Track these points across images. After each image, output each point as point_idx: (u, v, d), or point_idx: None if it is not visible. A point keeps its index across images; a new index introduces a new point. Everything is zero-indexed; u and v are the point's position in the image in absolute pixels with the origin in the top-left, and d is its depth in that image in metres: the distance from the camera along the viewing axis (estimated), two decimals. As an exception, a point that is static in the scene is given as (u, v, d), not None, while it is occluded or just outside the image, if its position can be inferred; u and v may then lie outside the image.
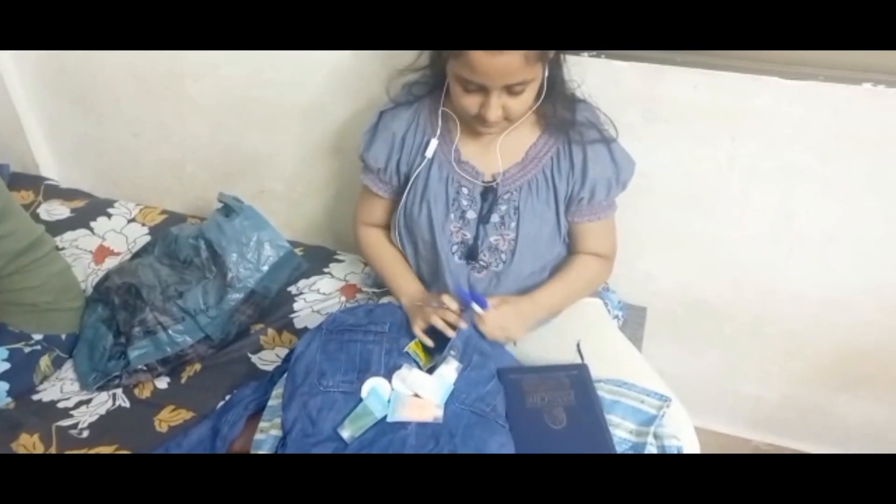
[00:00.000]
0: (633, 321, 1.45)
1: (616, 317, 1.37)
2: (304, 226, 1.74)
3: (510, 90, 1.00)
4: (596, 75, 1.23)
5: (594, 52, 1.24)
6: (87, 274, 1.52)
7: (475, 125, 1.08)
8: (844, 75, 1.15)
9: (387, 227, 1.28)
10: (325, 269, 1.52)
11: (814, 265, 1.36)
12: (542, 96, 1.07)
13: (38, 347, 1.31)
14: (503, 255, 1.16)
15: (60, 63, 1.70)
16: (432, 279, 1.22)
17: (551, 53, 1.03)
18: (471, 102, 1.02)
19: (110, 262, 1.56)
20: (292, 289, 1.48)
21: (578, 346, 1.16)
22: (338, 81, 1.45)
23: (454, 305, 1.10)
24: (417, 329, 1.10)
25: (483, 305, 1.09)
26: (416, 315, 1.12)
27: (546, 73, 1.04)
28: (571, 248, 1.23)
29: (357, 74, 1.41)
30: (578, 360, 1.14)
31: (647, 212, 1.39)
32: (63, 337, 1.36)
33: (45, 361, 1.32)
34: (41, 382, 1.33)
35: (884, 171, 1.21)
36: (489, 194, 1.14)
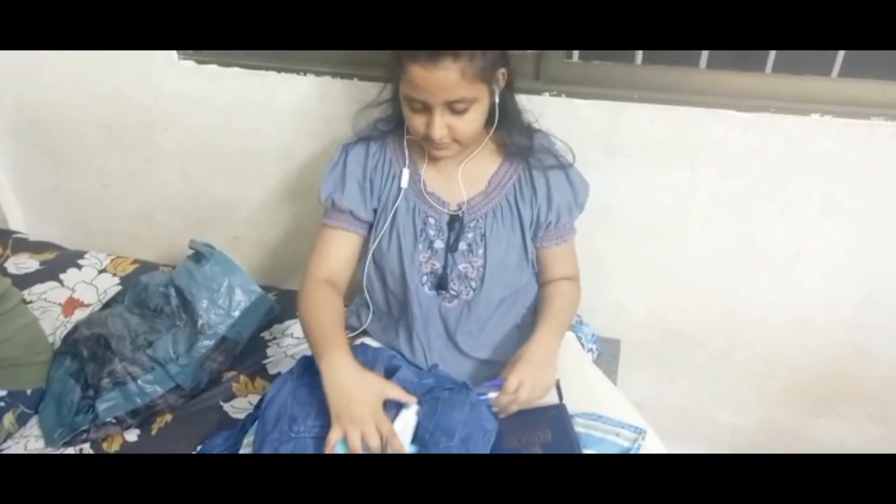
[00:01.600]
0: (607, 354, 1.46)
1: (590, 350, 1.37)
2: (278, 270, 1.74)
3: (453, 108, 1.01)
4: (557, 114, 1.27)
5: (554, 92, 1.28)
6: (55, 327, 1.50)
7: (428, 148, 1.10)
8: (794, 107, 1.20)
9: (337, 280, 1.17)
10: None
11: (779, 288, 1.39)
12: (496, 123, 1.10)
13: (2, 404, 1.28)
14: (472, 283, 1.17)
15: (30, 116, 1.70)
16: (401, 314, 1.22)
17: (498, 76, 1.05)
18: (418, 122, 1.04)
19: (80, 314, 1.54)
20: (265, 334, 1.47)
21: (558, 383, 1.14)
22: (303, 125, 1.47)
23: (384, 432, 0.95)
24: (334, 436, 0.94)
25: (499, 385, 1.05)
26: (343, 421, 0.95)
27: (497, 100, 1.07)
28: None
29: (321, 117, 1.44)
30: (555, 398, 1.13)
31: (615, 243, 1.42)
32: (29, 392, 1.33)
33: (8, 419, 1.29)
34: (4, 440, 1.29)
35: (837, 194, 1.26)
36: (455, 223, 1.15)
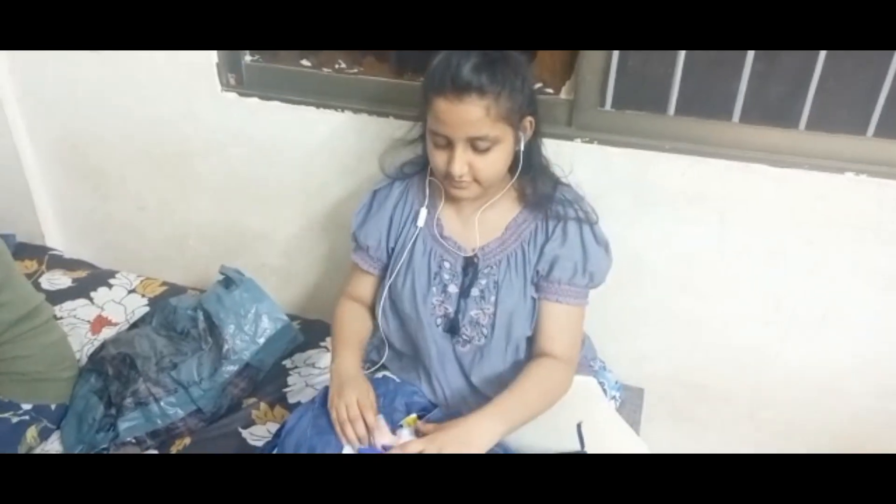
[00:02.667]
0: (630, 402, 1.43)
1: (613, 398, 1.35)
2: (303, 300, 1.75)
3: (475, 146, 1.02)
4: (588, 160, 1.29)
5: (586, 138, 1.29)
6: (83, 344, 1.52)
7: (448, 187, 1.10)
8: (827, 164, 1.20)
9: (368, 305, 1.27)
10: (322, 343, 1.52)
11: (807, 348, 1.37)
12: (519, 169, 1.10)
13: (27, 417, 1.30)
14: (484, 330, 1.16)
15: (74, 142, 1.77)
16: (417, 354, 1.22)
17: (525, 124, 1.07)
18: (441, 158, 1.05)
19: (107, 333, 1.56)
20: (287, 362, 1.47)
21: (579, 427, 1.12)
22: (338, 160, 1.51)
23: (370, 423, 1.04)
24: (334, 410, 1.06)
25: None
26: (337, 403, 1.06)
27: (521, 148, 1.08)
28: (533, 342, 1.17)
29: (356, 154, 1.47)
30: (574, 444, 1.10)
31: (642, 292, 1.41)
32: (53, 407, 1.34)
33: (31, 433, 1.30)
34: (25, 454, 1.30)
35: (869, 255, 1.24)
36: (470, 268, 1.15)
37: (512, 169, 1.11)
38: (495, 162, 1.05)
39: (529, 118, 1.07)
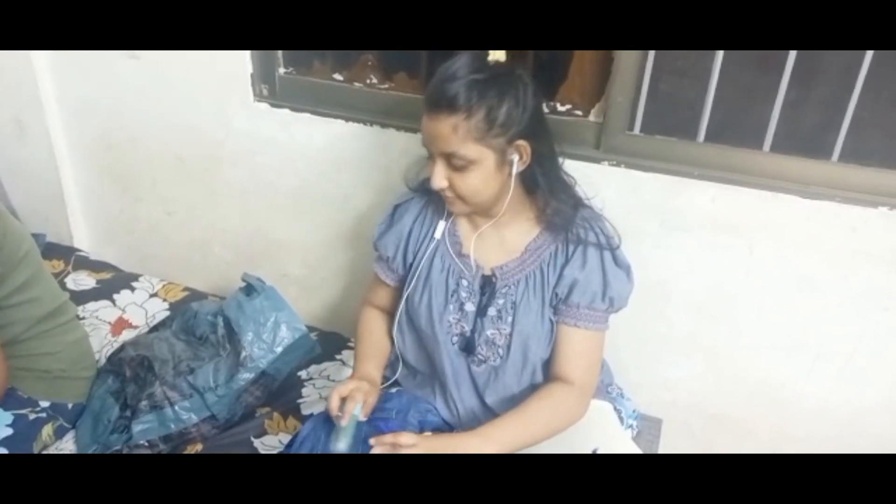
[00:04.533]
0: (647, 432, 1.40)
1: (630, 426, 1.32)
2: (322, 311, 1.75)
3: (451, 163, 1.02)
4: (616, 183, 1.28)
5: (614, 162, 1.29)
6: (102, 345, 1.53)
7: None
8: (861, 197, 1.17)
9: (388, 313, 1.29)
10: (338, 356, 1.52)
11: (833, 384, 1.33)
12: (511, 191, 1.06)
13: (44, 415, 1.31)
14: (500, 350, 1.15)
15: (108, 144, 1.80)
16: (433, 370, 1.21)
17: (519, 148, 1.03)
18: (429, 171, 1.06)
19: (127, 335, 1.58)
20: (302, 373, 1.47)
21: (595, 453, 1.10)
22: (364, 173, 1.52)
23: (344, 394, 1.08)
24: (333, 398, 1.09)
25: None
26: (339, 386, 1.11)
27: (513, 170, 1.04)
28: (549, 365, 1.15)
29: (382, 167, 1.48)
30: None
31: (665, 318, 1.39)
32: (70, 406, 1.35)
33: (47, 430, 1.31)
34: (39, 451, 1.31)
35: (903, 291, 1.21)
36: (487, 287, 1.14)
37: (529, 190, 1.10)
38: (473, 181, 1.03)
39: (523, 142, 1.02)
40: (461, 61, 1.00)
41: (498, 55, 1.03)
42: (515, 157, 1.03)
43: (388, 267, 1.24)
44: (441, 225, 1.17)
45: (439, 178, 1.03)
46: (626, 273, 1.12)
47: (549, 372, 1.15)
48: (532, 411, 1.07)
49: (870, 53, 1.11)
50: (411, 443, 0.98)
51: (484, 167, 1.02)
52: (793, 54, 1.15)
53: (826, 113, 1.19)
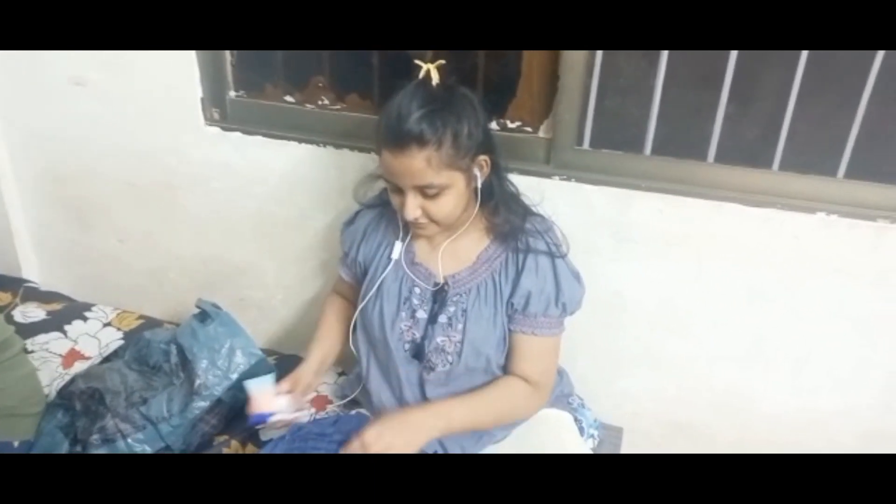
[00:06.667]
0: (608, 441, 1.41)
1: (591, 436, 1.34)
2: (280, 334, 1.73)
3: (424, 192, 1.04)
4: (567, 197, 1.30)
5: (564, 176, 1.31)
6: (52, 378, 1.48)
7: (410, 226, 1.13)
8: (800, 204, 1.21)
9: (350, 301, 1.33)
10: (298, 380, 1.49)
11: (789, 389, 1.36)
12: (478, 204, 1.10)
13: (-11, 454, 1.26)
14: (449, 357, 1.16)
15: (58, 174, 1.77)
16: (386, 377, 1.22)
17: (480, 162, 1.07)
18: (396, 201, 1.08)
19: (79, 367, 1.53)
20: (262, 399, 1.44)
21: None
22: (319, 194, 1.51)
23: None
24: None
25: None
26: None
27: (478, 184, 1.08)
28: (506, 365, 1.18)
29: (337, 188, 1.48)
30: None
31: (622, 330, 1.41)
32: (16, 444, 1.30)
33: (-7, 469, 1.26)
34: (-14, 492, 1.25)
35: (847, 295, 1.25)
36: (439, 295, 1.16)
37: (475, 201, 1.12)
38: (447, 204, 1.06)
39: (484, 157, 1.07)
40: (409, 96, 1.01)
41: (429, 66, 1.05)
42: (478, 172, 1.07)
43: (345, 263, 1.28)
44: (398, 246, 1.18)
45: (412, 210, 1.05)
46: (577, 278, 1.16)
47: (505, 371, 1.18)
48: (481, 396, 1.13)
49: (800, 69, 1.15)
50: (374, 436, 1.01)
51: (455, 189, 1.05)
52: (730, 71, 1.19)
53: (765, 125, 1.23)
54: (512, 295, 1.13)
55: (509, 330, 1.15)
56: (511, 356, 1.17)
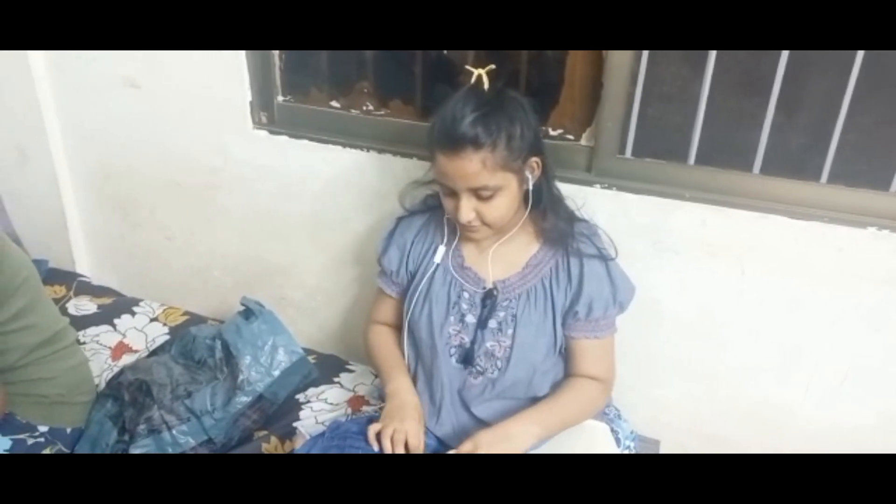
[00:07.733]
0: (645, 453, 1.40)
1: (627, 447, 1.32)
2: (319, 335, 1.76)
3: (478, 195, 1.05)
4: (607, 206, 1.30)
5: (605, 185, 1.31)
6: (102, 369, 1.54)
7: (461, 230, 1.15)
8: (849, 218, 1.19)
9: (395, 327, 1.31)
10: (336, 379, 1.53)
11: (829, 404, 1.33)
12: (529, 207, 1.12)
13: (42, 440, 1.31)
14: (499, 362, 1.17)
15: (108, 172, 1.83)
16: (429, 382, 1.23)
17: (531, 164, 1.09)
18: (449, 205, 1.10)
19: (127, 359, 1.58)
20: (300, 396, 1.47)
21: None
22: (361, 197, 1.54)
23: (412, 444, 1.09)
24: (372, 432, 1.10)
25: None
26: (385, 422, 1.11)
27: (529, 186, 1.10)
28: (568, 369, 1.22)
29: (379, 192, 1.50)
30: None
31: (660, 339, 1.40)
32: (68, 431, 1.36)
33: (45, 455, 1.32)
34: (38, 477, 1.31)
35: (891, 310, 1.22)
36: (489, 300, 1.17)
37: (526, 205, 1.13)
38: (500, 207, 1.08)
39: (535, 158, 1.09)
40: (462, 101, 1.03)
41: (479, 71, 1.06)
42: (529, 174, 1.09)
43: (392, 280, 1.28)
44: (441, 250, 1.20)
45: (467, 212, 1.07)
46: (627, 277, 1.18)
47: (568, 372, 1.21)
48: (563, 399, 1.16)
49: (854, 74, 1.13)
50: (468, 450, 1.03)
51: (509, 191, 1.07)
52: (779, 77, 1.17)
53: (814, 135, 1.21)
54: (575, 304, 1.14)
55: (570, 337, 1.17)
56: (575, 361, 1.19)
